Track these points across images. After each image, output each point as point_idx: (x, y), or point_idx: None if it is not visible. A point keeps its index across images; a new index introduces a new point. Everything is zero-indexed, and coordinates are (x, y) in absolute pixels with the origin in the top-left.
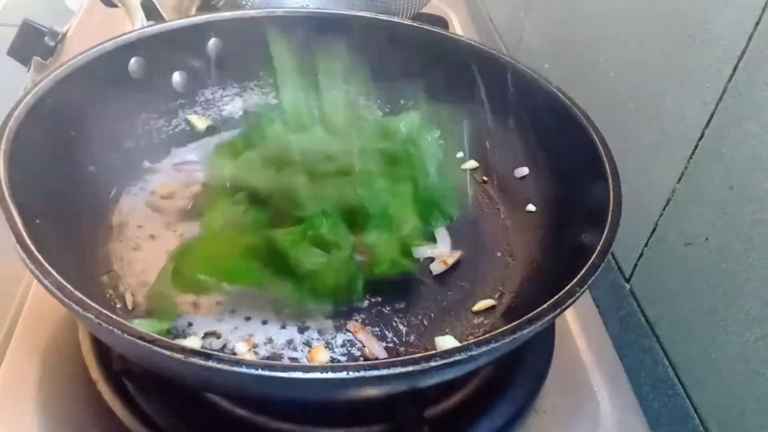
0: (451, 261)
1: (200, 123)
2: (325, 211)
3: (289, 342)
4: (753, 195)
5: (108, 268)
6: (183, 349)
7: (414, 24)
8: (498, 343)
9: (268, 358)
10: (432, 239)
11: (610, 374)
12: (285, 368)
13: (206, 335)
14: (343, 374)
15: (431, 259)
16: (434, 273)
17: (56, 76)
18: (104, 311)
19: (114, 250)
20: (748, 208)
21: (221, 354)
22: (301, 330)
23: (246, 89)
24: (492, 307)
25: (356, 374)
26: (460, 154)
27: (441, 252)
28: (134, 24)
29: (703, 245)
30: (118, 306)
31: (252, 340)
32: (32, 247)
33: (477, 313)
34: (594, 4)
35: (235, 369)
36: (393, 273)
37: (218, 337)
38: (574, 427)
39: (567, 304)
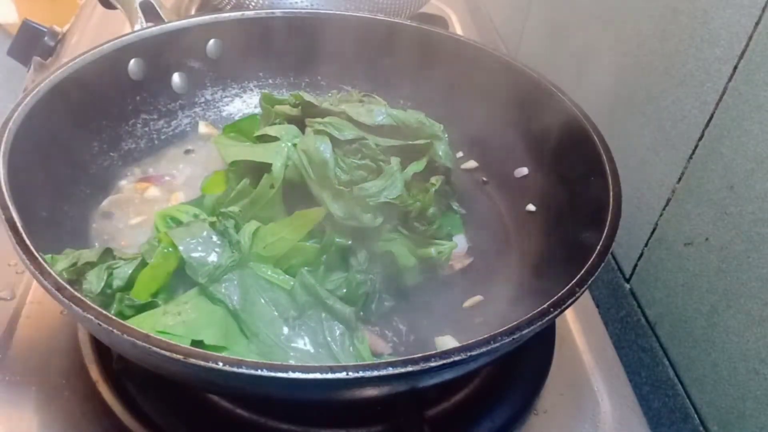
0: (459, 266)
1: (205, 128)
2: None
3: None
4: (753, 195)
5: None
6: (183, 350)
7: (414, 24)
8: (498, 344)
9: None
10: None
11: (610, 374)
12: (285, 369)
13: None
14: (342, 374)
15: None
16: (440, 275)
17: (56, 78)
18: (103, 312)
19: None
20: (748, 208)
21: (221, 355)
22: None
23: (246, 90)
24: (490, 307)
25: (356, 374)
26: (460, 154)
27: (454, 254)
28: (133, 25)
29: (703, 245)
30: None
31: None
32: (32, 248)
33: (477, 313)
34: (594, 4)
35: (235, 370)
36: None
37: None
38: (574, 427)
39: (567, 304)
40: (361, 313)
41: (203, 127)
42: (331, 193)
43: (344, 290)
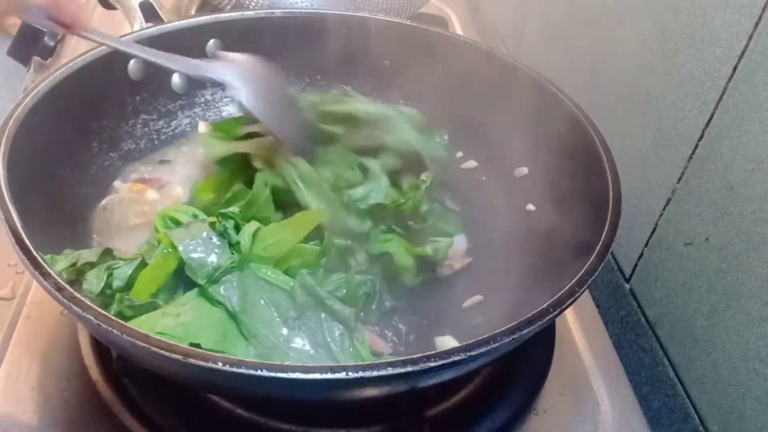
0: (458, 266)
1: (205, 129)
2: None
3: None
4: (753, 195)
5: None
6: (182, 350)
7: (414, 24)
8: (497, 344)
9: None
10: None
11: (610, 374)
12: (285, 369)
13: None
14: (342, 374)
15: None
16: (440, 275)
17: (56, 78)
18: (103, 312)
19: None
20: (748, 208)
21: (220, 355)
22: None
23: None
24: (490, 307)
25: (355, 375)
26: (460, 154)
27: (453, 254)
28: (133, 26)
29: (703, 245)
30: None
31: None
32: (31, 249)
33: (477, 313)
34: (594, 4)
35: (235, 370)
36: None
37: None
38: (574, 427)
39: (567, 304)
40: (362, 313)
41: (203, 128)
42: (322, 200)
43: (344, 291)
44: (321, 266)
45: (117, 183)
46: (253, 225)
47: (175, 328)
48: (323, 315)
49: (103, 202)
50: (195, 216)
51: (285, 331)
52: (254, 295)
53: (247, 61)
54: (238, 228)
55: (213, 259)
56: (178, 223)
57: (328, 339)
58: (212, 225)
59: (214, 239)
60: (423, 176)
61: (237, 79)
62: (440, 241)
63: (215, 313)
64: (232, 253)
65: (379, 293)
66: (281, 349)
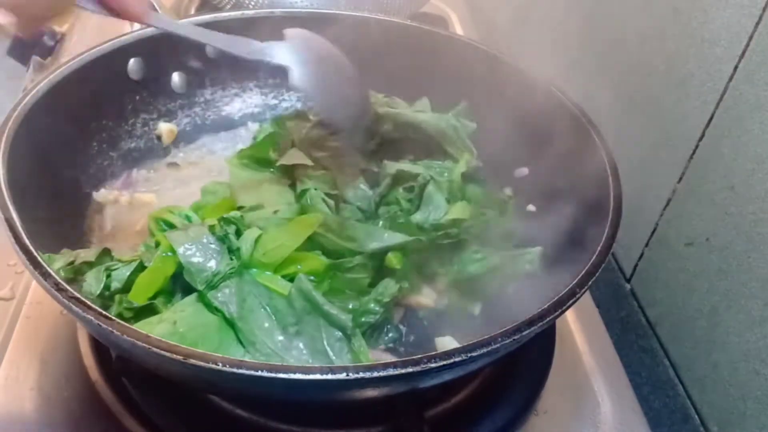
0: None
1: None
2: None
3: None
4: (754, 195)
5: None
6: (183, 351)
7: (413, 24)
8: (498, 344)
9: None
10: None
11: (611, 374)
12: (286, 370)
13: None
14: (342, 375)
15: None
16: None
17: (55, 78)
18: (104, 312)
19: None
20: (748, 208)
21: (221, 356)
22: None
23: (245, 89)
24: (491, 307)
25: (356, 375)
26: None
27: None
28: (132, 25)
29: (703, 245)
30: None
31: None
32: (31, 249)
33: (477, 314)
34: (594, 4)
35: (235, 370)
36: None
37: None
38: (575, 427)
39: (567, 304)
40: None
41: (164, 128)
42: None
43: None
44: (328, 277)
45: (116, 182)
46: (254, 231)
47: (172, 336)
48: (321, 321)
49: (103, 201)
50: (188, 218)
51: (283, 337)
52: (253, 302)
53: (308, 41)
54: (239, 233)
55: (212, 264)
56: (171, 226)
57: (326, 345)
58: (211, 228)
59: (213, 244)
60: (507, 191)
61: (295, 62)
62: (530, 252)
63: (213, 320)
64: (231, 259)
65: (386, 324)
66: (279, 356)
